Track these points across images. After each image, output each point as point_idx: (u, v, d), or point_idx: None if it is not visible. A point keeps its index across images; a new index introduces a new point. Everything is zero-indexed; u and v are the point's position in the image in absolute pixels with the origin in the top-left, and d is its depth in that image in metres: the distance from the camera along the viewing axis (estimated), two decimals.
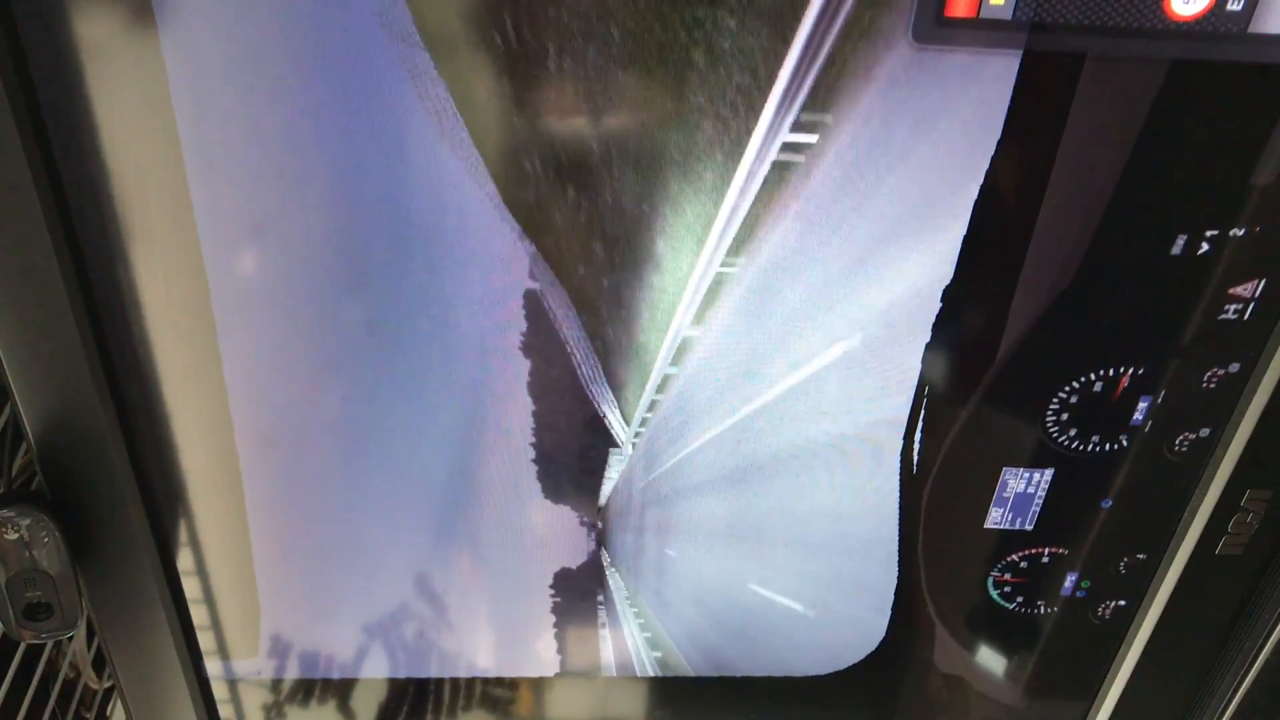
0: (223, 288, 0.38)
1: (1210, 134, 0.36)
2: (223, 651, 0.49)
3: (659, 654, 0.51)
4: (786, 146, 0.36)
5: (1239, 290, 0.39)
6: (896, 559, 0.47)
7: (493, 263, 0.38)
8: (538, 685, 0.53)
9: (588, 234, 0.38)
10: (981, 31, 0.34)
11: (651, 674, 0.52)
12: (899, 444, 0.44)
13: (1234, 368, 0.41)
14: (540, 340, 0.41)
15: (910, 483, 0.45)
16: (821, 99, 0.35)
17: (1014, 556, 0.47)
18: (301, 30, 0.33)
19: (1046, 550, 0.47)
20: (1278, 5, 0.33)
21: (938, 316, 0.40)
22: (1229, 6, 0.33)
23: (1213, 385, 0.41)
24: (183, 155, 0.35)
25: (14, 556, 0.40)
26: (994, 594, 0.48)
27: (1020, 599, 0.49)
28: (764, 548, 0.48)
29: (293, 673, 0.50)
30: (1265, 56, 0.34)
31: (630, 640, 0.51)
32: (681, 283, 0.40)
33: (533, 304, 0.40)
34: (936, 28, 0.34)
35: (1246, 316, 0.40)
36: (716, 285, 0.40)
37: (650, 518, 0.47)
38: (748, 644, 0.51)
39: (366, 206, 0.37)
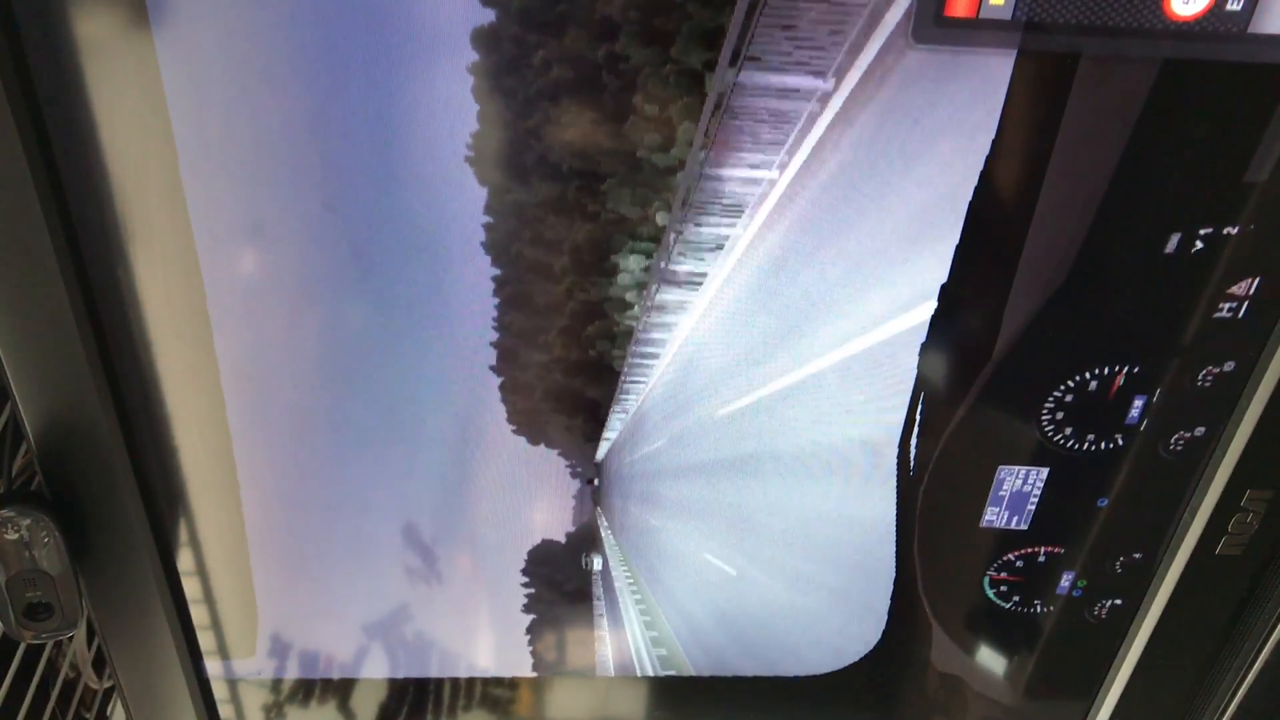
0: (218, 287, 0.38)
1: (1208, 133, 0.36)
2: (222, 651, 0.49)
3: (661, 647, 0.51)
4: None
5: (1234, 289, 0.39)
6: (894, 558, 0.47)
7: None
8: (537, 685, 0.53)
9: (583, 232, 0.38)
10: (981, 31, 0.34)
11: (651, 670, 0.52)
12: (896, 442, 0.44)
13: (1229, 366, 0.41)
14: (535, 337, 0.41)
15: (907, 481, 0.45)
16: (820, 97, 0.35)
17: (1010, 556, 0.47)
18: (295, 29, 0.33)
19: (1042, 549, 0.47)
20: (1278, 5, 0.33)
21: (934, 315, 0.40)
22: (1229, 6, 0.33)
23: (1208, 384, 0.42)
24: (178, 155, 0.35)
25: (14, 556, 0.40)
26: (990, 593, 0.48)
27: (1017, 598, 0.49)
28: (762, 543, 0.48)
29: (292, 673, 0.50)
30: (1265, 56, 0.35)
31: (631, 633, 0.51)
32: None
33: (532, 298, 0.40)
34: (936, 28, 0.34)
35: (1241, 315, 0.40)
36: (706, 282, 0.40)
37: (646, 494, 0.47)
38: (744, 639, 0.51)
39: (363, 205, 0.37)
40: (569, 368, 0.42)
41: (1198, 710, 0.50)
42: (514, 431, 0.43)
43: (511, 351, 0.41)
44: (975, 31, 0.34)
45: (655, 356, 0.42)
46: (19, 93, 0.32)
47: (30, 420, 0.38)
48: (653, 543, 0.48)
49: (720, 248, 0.39)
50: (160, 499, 0.42)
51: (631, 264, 0.39)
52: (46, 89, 0.33)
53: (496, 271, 0.39)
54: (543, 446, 0.44)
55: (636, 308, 0.40)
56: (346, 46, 0.33)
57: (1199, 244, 0.38)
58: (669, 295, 0.40)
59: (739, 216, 0.38)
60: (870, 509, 0.46)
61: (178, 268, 0.37)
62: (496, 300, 0.40)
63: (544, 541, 0.47)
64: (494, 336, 0.40)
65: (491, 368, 0.41)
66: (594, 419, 0.44)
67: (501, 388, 0.42)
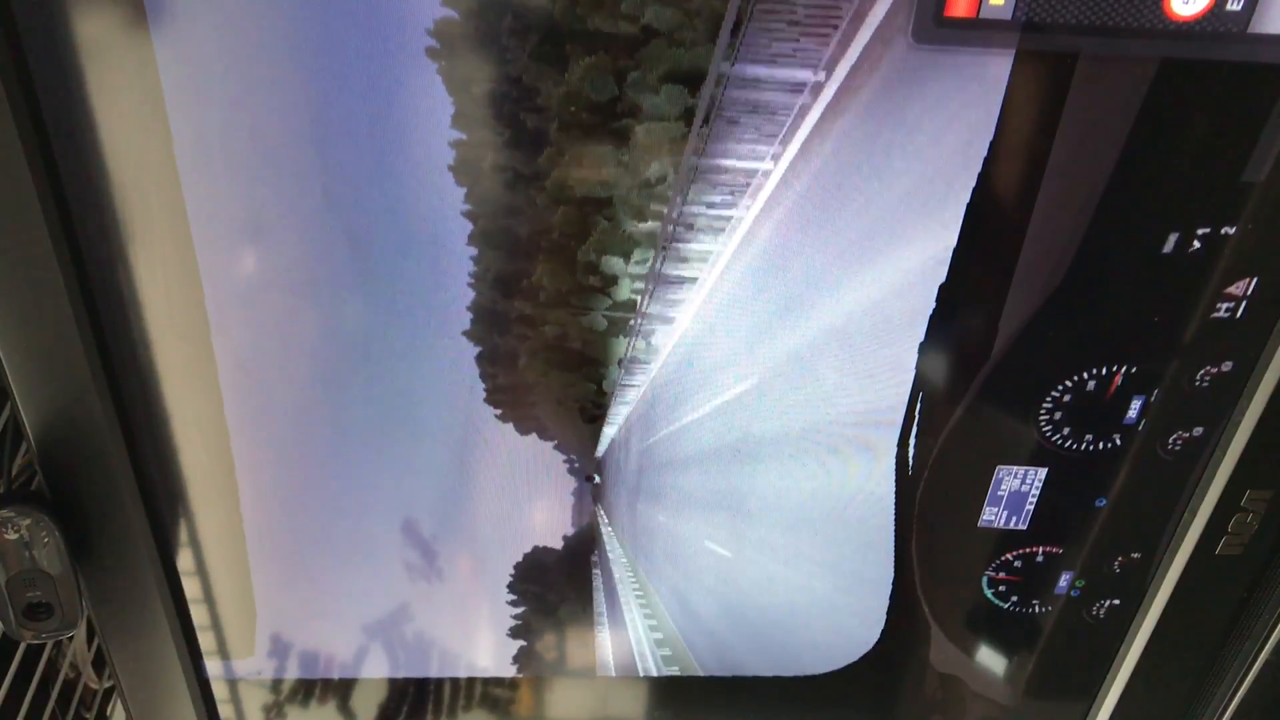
0: (216, 287, 0.38)
1: (1207, 133, 0.36)
2: (222, 651, 0.49)
3: (665, 646, 0.51)
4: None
5: (1231, 289, 0.39)
6: (893, 558, 0.47)
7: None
8: (538, 685, 0.53)
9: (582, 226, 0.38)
10: (981, 31, 0.34)
11: (653, 664, 0.52)
12: (894, 441, 0.44)
13: (1227, 366, 0.41)
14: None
15: (905, 481, 0.45)
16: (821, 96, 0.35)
17: (1008, 555, 0.47)
18: (291, 28, 0.33)
19: (1040, 549, 0.47)
20: (1278, 5, 0.33)
21: (932, 314, 0.40)
22: (1229, 6, 0.33)
23: (1205, 384, 0.42)
24: (176, 154, 0.35)
25: (14, 556, 0.40)
26: (989, 593, 0.48)
27: (1015, 598, 0.49)
28: (765, 538, 0.48)
29: (292, 672, 0.50)
30: (1265, 56, 0.35)
31: (634, 632, 0.51)
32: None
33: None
34: (936, 28, 0.34)
35: (1239, 315, 0.40)
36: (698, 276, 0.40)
37: (649, 488, 0.46)
38: (749, 637, 0.51)
39: (362, 203, 0.37)
40: (571, 362, 0.42)
41: (1198, 710, 0.50)
42: (520, 430, 0.43)
43: (513, 348, 0.41)
44: (975, 31, 0.34)
45: (658, 344, 0.41)
46: (19, 93, 0.32)
47: (30, 420, 0.38)
48: (657, 540, 0.48)
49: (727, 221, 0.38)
50: (160, 499, 0.42)
51: (632, 266, 0.39)
52: (46, 89, 0.33)
53: (496, 266, 0.39)
54: (549, 445, 0.44)
55: (639, 297, 0.40)
56: (343, 44, 0.33)
57: (1197, 244, 0.38)
58: (674, 272, 0.39)
59: (742, 194, 0.38)
60: (869, 510, 0.46)
61: (177, 267, 0.37)
62: (497, 296, 0.39)
63: (545, 540, 0.47)
64: (493, 333, 0.40)
65: (490, 364, 0.41)
66: (595, 414, 0.44)
67: (502, 386, 0.42)
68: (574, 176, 0.36)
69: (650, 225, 0.37)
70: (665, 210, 0.36)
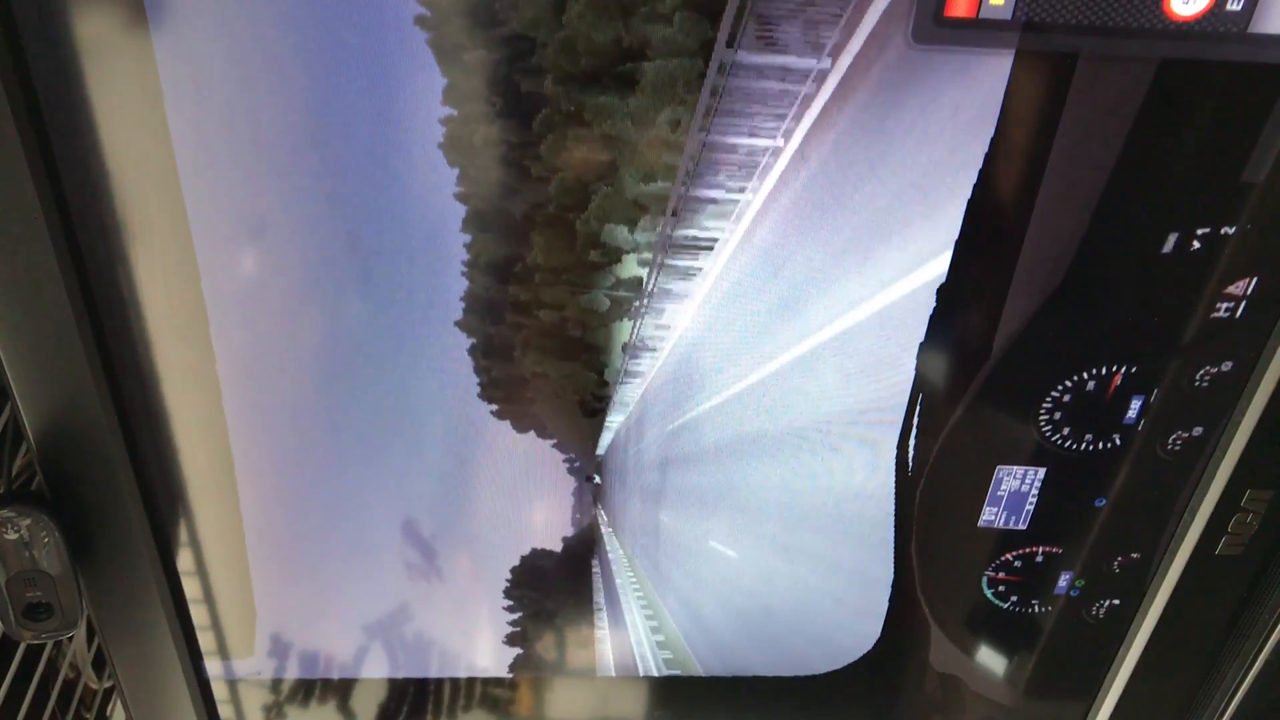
0: (216, 287, 0.38)
1: (1206, 133, 0.36)
2: (222, 651, 0.49)
3: (665, 646, 0.51)
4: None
5: (1231, 289, 0.39)
6: (893, 557, 0.47)
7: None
8: (537, 685, 0.53)
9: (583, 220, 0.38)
10: (980, 31, 0.34)
11: (654, 664, 0.52)
12: (894, 442, 0.44)
13: (1226, 366, 0.41)
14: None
15: (905, 481, 0.45)
16: (820, 96, 0.35)
17: (1008, 555, 0.47)
18: (291, 29, 0.33)
19: (1040, 549, 0.47)
20: (1278, 5, 0.33)
21: (932, 315, 0.40)
22: (1229, 6, 0.33)
23: (1205, 384, 0.42)
24: (176, 154, 0.35)
25: (14, 556, 0.40)
26: (988, 593, 0.48)
27: (1014, 598, 0.49)
28: (766, 536, 0.47)
29: (292, 672, 0.50)
30: (1265, 56, 0.35)
31: (634, 634, 0.51)
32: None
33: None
34: (936, 28, 0.34)
35: (1238, 315, 0.40)
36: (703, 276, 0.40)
37: (651, 487, 0.46)
38: (750, 637, 0.51)
39: (362, 203, 0.37)
40: (571, 351, 0.41)
41: (1198, 710, 0.50)
42: (518, 427, 0.43)
43: (507, 338, 0.41)
44: (975, 31, 0.34)
45: (659, 339, 0.41)
46: (19, 93, 0.32)
47: (30, 420, 0.38)
48: (658, 540, 0.48)
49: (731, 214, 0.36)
50: (160, 499, 0.42)
51: (637, 238, 0.36)
52: (46, 89, 0.33)
53: (490, 249, 0.38)
54: (548, 443, 0.44)
55: (646, 270, 0.38)
56: (344, 45, 0.33)
57: (1196, 244, 0.38)
58: (676, 263, 0.38)
59: (747, 181, 0.37)
60: (868, 510, 0.46)
61: (177, 267, 0.37)
62: (490, 281, 0.39)
63: (545, 542, 0.47)
64: (486, 322, 0.40)
65: (484, 356, 0.41)
66: (596, 408, 0.43)
67: (497, 380, 0.42)
68: (573, 135, 0.32)
69: (660, 186, 0.33)
70: (679, 161, 0.31)
